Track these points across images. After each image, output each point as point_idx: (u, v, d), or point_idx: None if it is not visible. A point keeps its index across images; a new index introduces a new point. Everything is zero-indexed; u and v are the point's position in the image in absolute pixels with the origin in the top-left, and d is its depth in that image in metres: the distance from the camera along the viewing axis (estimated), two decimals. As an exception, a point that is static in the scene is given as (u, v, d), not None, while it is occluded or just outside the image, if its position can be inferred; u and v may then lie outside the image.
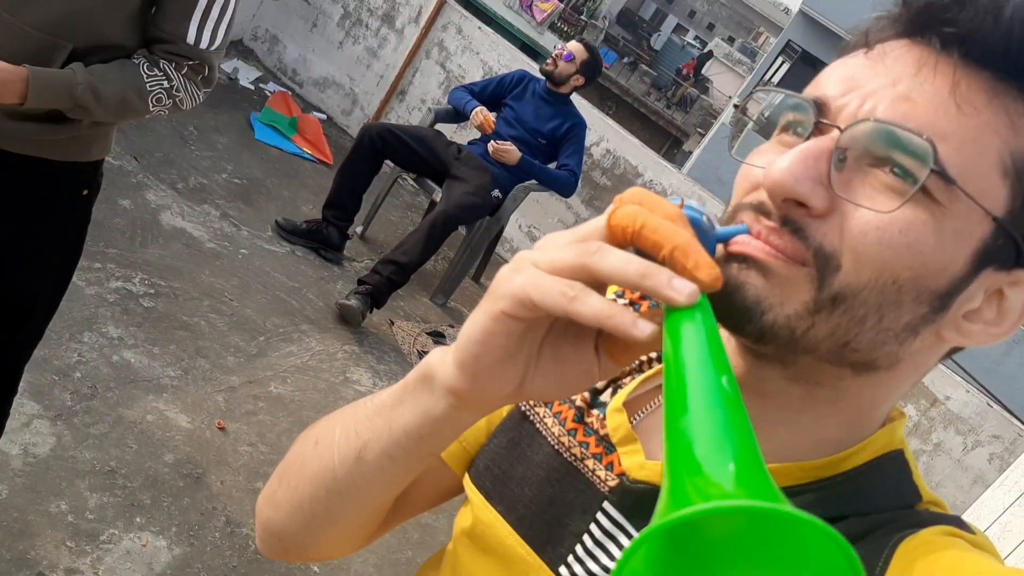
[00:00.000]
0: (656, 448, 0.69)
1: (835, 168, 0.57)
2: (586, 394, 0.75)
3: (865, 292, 0.56)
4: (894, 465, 0.65)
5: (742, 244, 0.58)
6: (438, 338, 4.32)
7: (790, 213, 0.57)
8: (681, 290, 0.49)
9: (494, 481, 0.76)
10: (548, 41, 11.82)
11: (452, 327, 4.54)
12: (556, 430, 0.75)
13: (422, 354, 4.11)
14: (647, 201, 0.53)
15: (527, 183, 4.51)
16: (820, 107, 0.59)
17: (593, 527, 0.69)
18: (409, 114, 6.01)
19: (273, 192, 4.81)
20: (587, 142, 4.83)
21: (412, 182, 4.77)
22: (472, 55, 5.74)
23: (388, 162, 4.50)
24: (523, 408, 0.78)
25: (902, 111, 0.56)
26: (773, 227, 0.58)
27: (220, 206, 4.30)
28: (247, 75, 6.03)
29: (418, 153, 4.40)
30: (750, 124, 0.66)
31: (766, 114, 0.65)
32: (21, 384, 2.11)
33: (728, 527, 0.45)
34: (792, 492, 0.63)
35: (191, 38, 1.70)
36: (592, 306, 0.50)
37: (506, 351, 0.55)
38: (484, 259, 5.18)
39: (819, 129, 0.59)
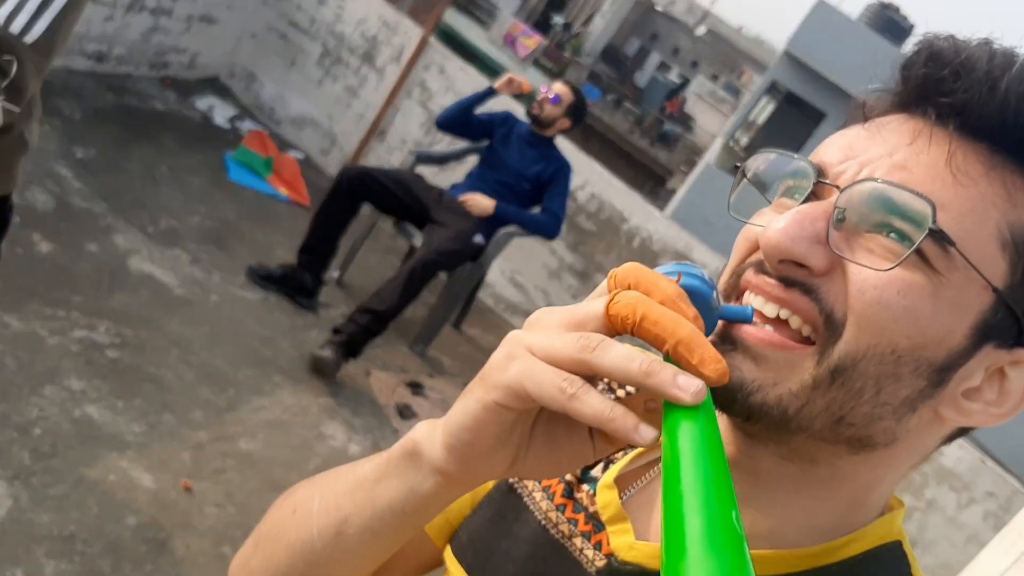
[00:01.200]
0: (646, 526, 0.68)
1: (834, 228, 0.56)
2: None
3: (864, 362, 0.55)
4: (892, 557, 0.63)
5: (738, 331, 0.58)
6: (416, 388, 4.19)
7: (789, 274, 0.57)
8: (687, 388, 0.47)
9: (476, 555, 0.74)
10: (531, 77, 11.84)
11: (431, 376, 4.41)
12: (544, 505, 0.73)
13: (400, 407, 3.98)
14: (643, 281, 0.52)
15: (509, 228, 4.41)
16: (819, 171, 0.59)
17: None
18: (389, 154, 5.91)
19: (246, 235, 4.69)
20: (572, 186, 4.74)
21: (392, 226, 4.66)
22: (455, 96, 5.66)
23: (367, 205, 4.39)
24: (511, 480, 0.76)
25: (898, 179, 0.56)
26: (776, 284, 0.57)
27: (191, 250, 4.18)
28: (223, 113, 5.93)
29: (398, 197, 4.30)
30: (743, 181, 0.65)
31: (764, 171, 0.65)
32: None
33: None
34: None
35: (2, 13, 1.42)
36: (592, 406, 0.49)
37: (498, 439, 0.54)
38: (465, 306, 5.05)
39: (817, 192, 0.59)
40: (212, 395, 3.34)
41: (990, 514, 4.52)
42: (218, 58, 6.16)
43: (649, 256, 5.31)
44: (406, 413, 3.95)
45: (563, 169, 4.55)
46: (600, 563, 0.67)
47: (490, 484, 0.79)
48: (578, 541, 0.70)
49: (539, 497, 0.74)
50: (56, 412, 2.81)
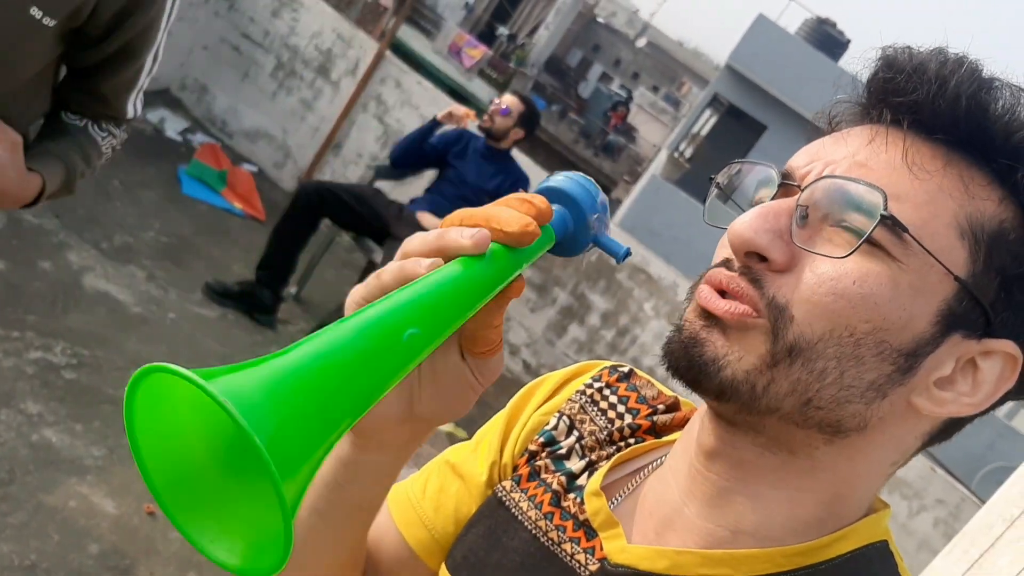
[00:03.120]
0: (636, 531, 0.69)
1: (797, 225, 0.60)
2: (562, 477, 0.75)
3: (821, 344, 0.58)
4: (880, 556, 0.64)
5: (706, 300, 0.61)
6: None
7: (752, 266, 0.60)
8: (468, 235, 0.53)
9: (470, 570, 0.75)
10: (477, 87, 11.84)
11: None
12: (532, 514, 0.74)
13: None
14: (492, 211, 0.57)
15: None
16: (786, 174, 0.63)
17: None
18: (345, 168, 5.86)
19: (202, 251, 4.61)
20: (529, 200, 4.74)
21: (349, 240, 4.61)
22: (411, 109, 5.64)
23: (326, 220, 4.34)
24: (499, 494, 0.78)
25: (857, 175, 0.59)
26: (732, 276, 0.60)
27: (147, 267, 4.09)
28: (174, 126, 5.82)
29: (357, 212, 4.27)
30: (714, 192, 0.68)
31: (735, 180, 0.68)
32: None
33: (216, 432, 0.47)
34: None
35: (129, 114, 1.63)
36: (411, 242, 0.56)
37: None
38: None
39: (784, 194, 0.62)
40: (173, 416, 3.26)
41: (940, 521, 4.62)
42: (169, 70, 6.05)
43: (607, 268, 5.33)
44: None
45: (521, 181, 4.57)
46: (593, 567, 0.69)
47: (473, 503, 0.80)
48: (568, 547, 0.71)
49: (526, 507, 0.75)
50: (12, 437, 2.73)
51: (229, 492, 0.47)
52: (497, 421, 0.84)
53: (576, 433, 0.79)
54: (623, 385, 0.80)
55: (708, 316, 0.60)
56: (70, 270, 3.71)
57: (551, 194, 0.61)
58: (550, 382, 0.83)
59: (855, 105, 0.65)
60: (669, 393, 0.81)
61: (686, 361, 0.60)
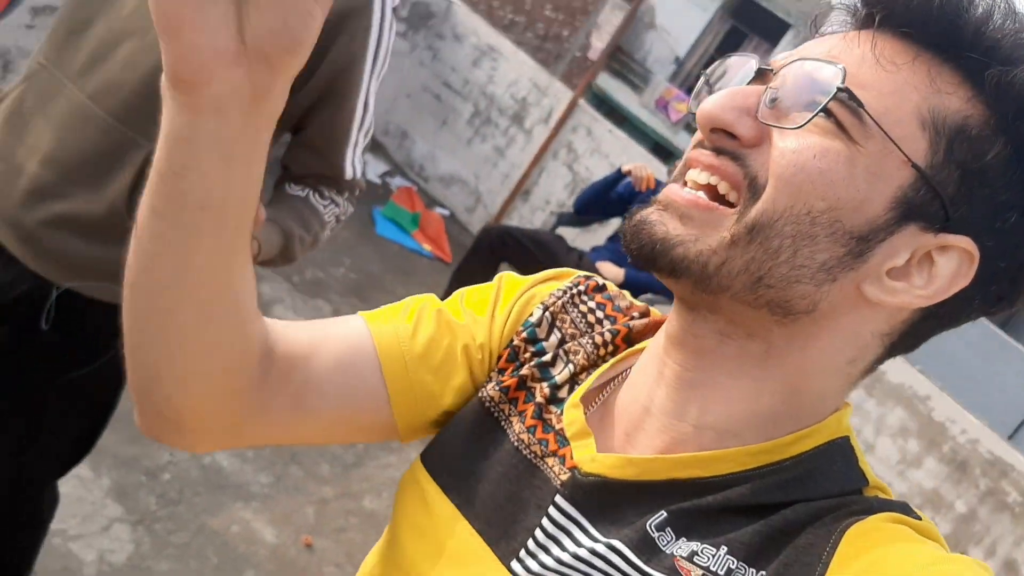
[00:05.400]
0: (609, 440, 0.71)
1: (766, 106, 0.61)
2: (546, 389, 0.75)
3: (780, 222, 0.59)
4: (840, 451, 0.66)
5: (668, 191, 0.63)
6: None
7: (721, 144, 0.62)
8: None
9: (451, 475, 0.75)
10: (682, 140, 11.74)
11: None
12: (517, 427, 0.74)
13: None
14: None
15: (649, 294, 4.29)
16: (765, 68, 0.64)
17: (545, 521, 0.68)
18: (532, 214, 5.90)
19: (388, 288, 4.73)
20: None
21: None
22: (601, 157, 5.61)
23: (506, 264, 4.36)
24: (486, 404, 0.77)
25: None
26: (709, 153, 0.63)
27: (333, 301, 4.23)
28: (375, 169, 6.06)
29: (536, 258, 4.26)
30: (702, 83, 0.68)
31: (724, 74, 0.68)
32: (107, 483, 1.96)
33: None
34: (740, 478, 0.64)
35: (348, 174, 1.59)
36: None
37: None
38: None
39: (760, 81, 0.64)
40: (340, 449, 3.32)
41: None
42: (375, 116, 6.30)
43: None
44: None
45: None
46: (564, 476, 0.69)
47: (456, 373, 0.77)
48: (550, 460, 0.71)
49: (515, 420, 0.75)
50: (186, 458, 2.83)
51: None
52: (485, 298, 0.81)
53: (558, 333, 0.79)
54: (599, 295, 0.81)
55: (667, 203, 0.63)
56: (260, 301, 3.85)
57: None
58: (525, 281, 0.82)
59: (838, 9, 0.66)
60: (640, 303, 0.82)
61: (636, 243, 0.63)
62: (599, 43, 11.05)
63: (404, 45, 6.18)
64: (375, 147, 6.42)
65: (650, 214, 0.63)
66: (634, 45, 12.80)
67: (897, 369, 4.75)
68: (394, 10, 1.57)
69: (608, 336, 0.78)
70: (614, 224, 4.77)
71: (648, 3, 11.66)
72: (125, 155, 1.42)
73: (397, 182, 6.07)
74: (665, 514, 0.64)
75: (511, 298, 0.81)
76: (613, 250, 4.40)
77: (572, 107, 5.70)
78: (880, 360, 0.67)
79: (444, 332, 0.78)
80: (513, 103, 5.97)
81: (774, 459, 0.64)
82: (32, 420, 1.60)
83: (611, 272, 4.22)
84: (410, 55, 6.21)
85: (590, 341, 0.78)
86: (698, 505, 0.64)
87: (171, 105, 0.53)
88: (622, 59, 13.15)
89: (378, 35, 1.51)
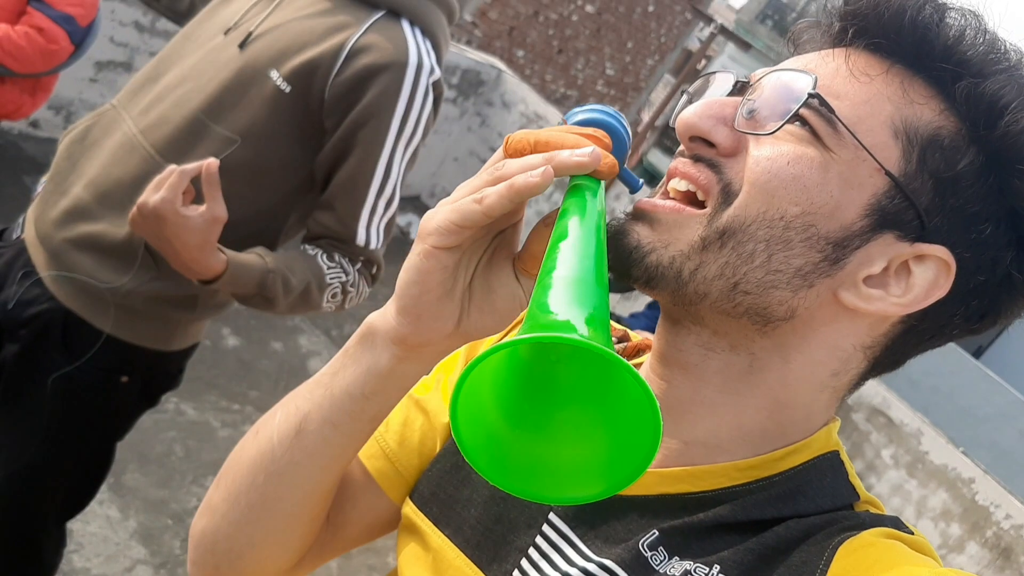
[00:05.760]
0: None
1: (743, 116, 0.63)
2: None
3: (753, 226, 0.60)
4: (831, 465, 0.66)
5: (640, 201, 0.65)
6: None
7: (699, 151, 0.64)
8: (583, 153, 0.58)
9: (440, 506, 0.76)
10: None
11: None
12: None
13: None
14: (540, 136, 0.61)
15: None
16: (745, 81, 0.67)
17: (539, 539, 0.69)
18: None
19: (426, 348, 4.73)
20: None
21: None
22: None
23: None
24: None
25: None
26: (688, 161, 0.65)
27: (370, 358, 4.24)
28: (420, 230, 6.12)
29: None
30: (683, 99, 0.71)
31: (704, 91, 0.70)
32: (134, 524, 1.95)
33: (566, 364, 0.53)
34: (730, 493, 0.64)
35: (360, 239, 1.53)
36: (498, 191, 0.57)
37: (443, 287, 0.61)
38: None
39: (738, 92, 0.66)
40: (367, 504, 3.30)
41: None
42: (421, 179, 6.41)
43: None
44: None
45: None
46: None
47: (438, 441, 0.81)
48: None
49: None
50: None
51: (537, 444, 0.52)
52: (455, 358, 0.84)
53: None
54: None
55: (637, 213, 0.65)
56: (299, 353, 3.91)
57: (596, 126, 0.64)
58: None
59: (815, 28, 0.69)
60: (618, 327, 0.83)
61: (613, 252, 0.63)
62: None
63: (454, 111, 6.29)
64: (422, 209, 6.50)
65: (622, 224, 0.64)
66: (684, 120, 12.92)
67: (940, 450, 4.64)
68: (435, 84, 1.53)
69: None
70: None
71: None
72: None
73: (441, 244, 6.12)
74: (657, 532, 0.64)
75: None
76: (652, 317, 4.37)
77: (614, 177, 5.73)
78: (865, 375, 0.68)
79: (415, 414, 0.82)
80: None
81: (764, 474, 0.65)
82: (28, 444, 1.60)
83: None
84: (459, 120, 6.32)
85: None
86: (690, 523, 0.64)
87: (383, 352, 0.65)
88: (672, 134, 13.27)
89: (408, 99, 1.49)
